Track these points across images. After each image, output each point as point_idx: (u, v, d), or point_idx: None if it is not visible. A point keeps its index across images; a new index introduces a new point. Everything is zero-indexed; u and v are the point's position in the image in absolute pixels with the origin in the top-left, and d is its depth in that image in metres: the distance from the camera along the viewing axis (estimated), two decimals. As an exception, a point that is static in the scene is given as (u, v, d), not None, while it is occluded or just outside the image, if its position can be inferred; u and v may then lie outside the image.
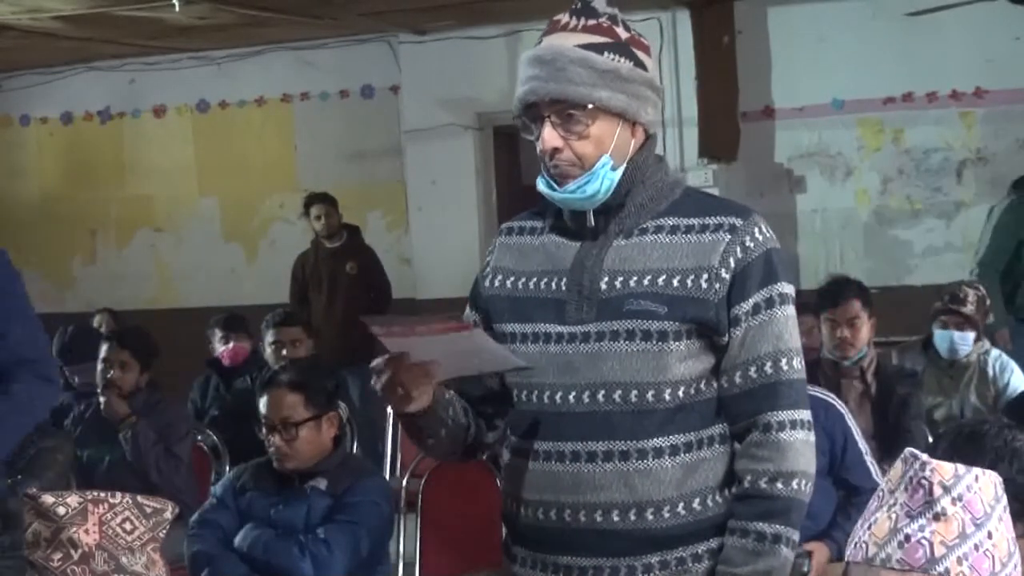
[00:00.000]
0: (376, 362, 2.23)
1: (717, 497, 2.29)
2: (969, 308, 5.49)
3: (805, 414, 2.29)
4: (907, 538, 1.55)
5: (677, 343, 2.25)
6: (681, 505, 2.26)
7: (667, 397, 2.25)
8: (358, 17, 8.70)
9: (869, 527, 1.59)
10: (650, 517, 2.26)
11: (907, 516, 1.56)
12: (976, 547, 1.54)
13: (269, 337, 6.20)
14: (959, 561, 1.53)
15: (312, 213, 8.27)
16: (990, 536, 1.55)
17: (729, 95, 8.71)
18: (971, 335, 5.50)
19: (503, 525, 2.47)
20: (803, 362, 2.32)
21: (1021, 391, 5.28)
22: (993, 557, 1.54)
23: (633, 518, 2.26)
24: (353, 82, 9.83)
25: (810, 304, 5.08)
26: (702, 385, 2.29)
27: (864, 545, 1.59)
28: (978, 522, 1.55)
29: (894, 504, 1.58)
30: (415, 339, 2.19)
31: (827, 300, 4.96)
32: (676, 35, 8.60)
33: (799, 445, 2.26)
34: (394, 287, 8.53)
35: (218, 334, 6.52)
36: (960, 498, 1.55)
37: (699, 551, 2.28)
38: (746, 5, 8.69)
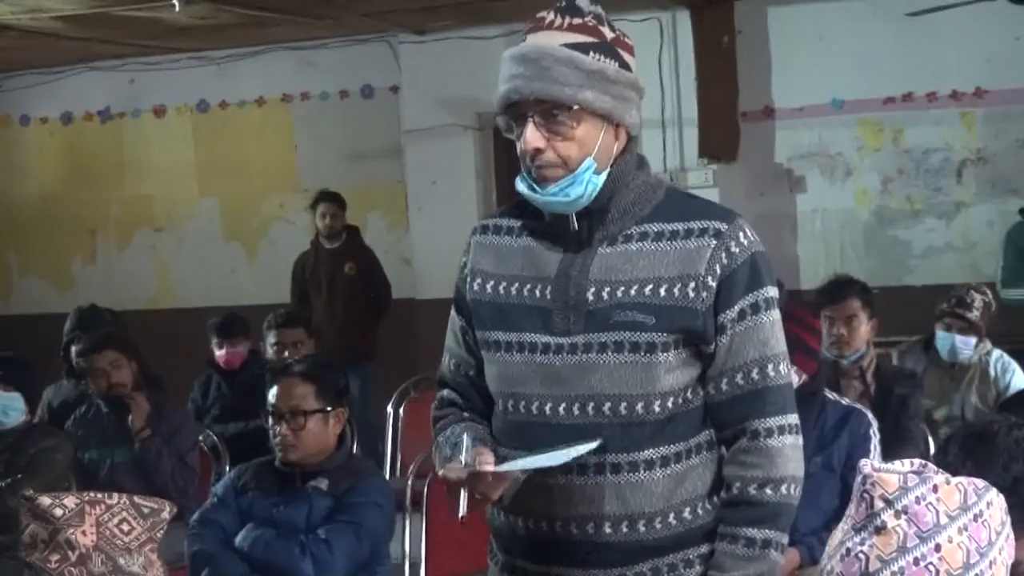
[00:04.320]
0: (453, 476, 2.19)
1: (707, 504, 2.29)
2: (974, 314, 5.49)
3: (792, 418, 2.27)
4: (847, 551, 1.54)
5: (665, 354, 2.22)
6: (672, 515, 2.26)
7: (656, 408, 2.24)
8: (358, 17, 8.70)
9: (831, 538, 1.60)
10: (642, 528, 2.25)
11: (852, 529, 1.55)
12: (916, 561, 1.51)
13: (271, 339, 6.21)
14: None
15: (319, 210, 8.26)
16: (938, 549, 1.51)
17: (729, 95, 8.71)
18: (973, 340, 5.50)
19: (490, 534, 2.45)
20: (789, 366, 2.29)
21: (1020, 389, 5.28)
22: (936, 571, 1.51)
23: (625, 530, 2.25)
24: (353, 82, 9.83)
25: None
26: (689, 394, 2.27)
27: (824, 555, 1.59)
28: (924, 535, 1.52)
29: (848, 517, 1.57)
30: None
31: (825, 297, 4.97)
32: (676, 35, 8.59)
33: (787, 450, 2.25)
34: (394, 287, 8.53)
35: (214, 339, 6.50)
36: (905, 511, 1.52)
37: (690, 557, 2.28)
38: (746, 5, 8.68)
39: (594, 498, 2.24)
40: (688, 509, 2.27)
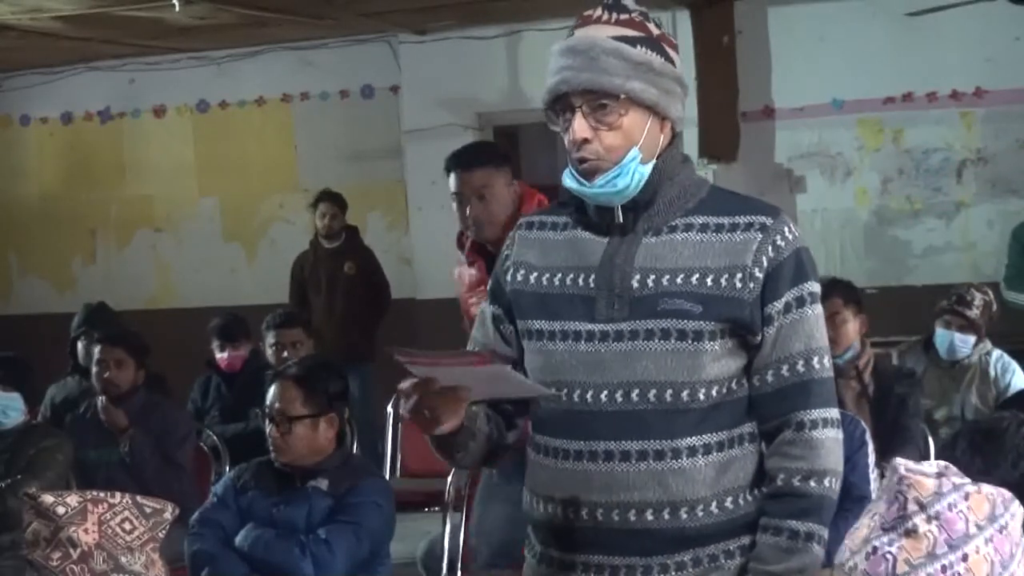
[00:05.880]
0: (404, 386, 2.19)
1: (748, 496, 2.30)
2: (974, 312, 5.50)
3: (835, 412, 2.30)
4: (874, 550, 1.52)
5: (712, 343, 2.24)
6: (714, 504, 2.26)
7: (701, 396, 2.25)
8: (358, 17, 8.70)
9: (852, 532, 1.58)
10: (684, 516, 2.25)
11: (880, 528, 1.53)
12: (943, 568, 1.49)
13: (270, 339, 6.21)
14: None
15: (319, 210, 8.27)
16: (965, 559, 1.50)
17: (729, 95, 8.71)
18: (972, 338, 5.51)
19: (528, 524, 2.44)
20: (831, 361, 2.33)
21: (1020, 389, 5.30)
22: None
23: (667, 517, 2.25)
24: (353, 82, 9.83)
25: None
26: (734, 384, 2.29)
27: (844, 549, 1.57)
28: (953, 543, 1.50)
29: (874, 514, 1.56)
30: (442, 368, 2.17)
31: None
32: (676, 35, 8.49)
33: (830, 443, 2.27)
34: (394, 287, 8.53)
35: (215, 342, 6.50)
36: (937, 516, 1.51)
37: (731, 548, 2.29)
38: (746, 5, 8.68)
39: (635, 485, 2.25)
40: (730, 499, 2.27)
